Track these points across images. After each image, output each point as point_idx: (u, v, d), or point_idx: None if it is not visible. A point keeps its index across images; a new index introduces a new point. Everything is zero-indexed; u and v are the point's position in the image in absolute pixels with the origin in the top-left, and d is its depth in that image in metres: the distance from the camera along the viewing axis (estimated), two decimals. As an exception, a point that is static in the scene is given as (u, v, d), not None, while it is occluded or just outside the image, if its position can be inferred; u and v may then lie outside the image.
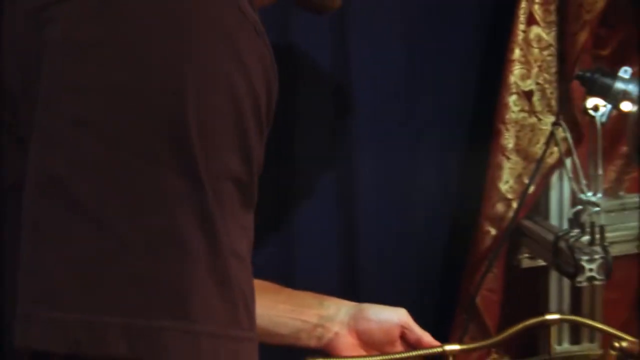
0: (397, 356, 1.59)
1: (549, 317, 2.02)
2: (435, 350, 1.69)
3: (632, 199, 2.78)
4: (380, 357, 1.58)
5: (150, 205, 0.68)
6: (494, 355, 2.72)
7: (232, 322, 0.72)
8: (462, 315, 2.58)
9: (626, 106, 2.07)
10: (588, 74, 2.07)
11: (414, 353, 1.63)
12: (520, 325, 1.97)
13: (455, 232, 2.68)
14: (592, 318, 2.68)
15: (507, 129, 2.46)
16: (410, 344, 1.66)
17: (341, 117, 2.47)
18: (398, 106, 2.56)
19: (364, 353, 1.62)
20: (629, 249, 2.62)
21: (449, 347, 1.70)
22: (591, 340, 2.70)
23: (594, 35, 2.43)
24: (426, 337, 1.68)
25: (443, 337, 2.50)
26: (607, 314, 2.78)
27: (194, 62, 0.70)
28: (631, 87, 2.06)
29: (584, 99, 2.41)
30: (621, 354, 1.59)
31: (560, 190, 2.58)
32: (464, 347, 1.86)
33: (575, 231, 2.13)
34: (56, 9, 0.71)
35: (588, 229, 2.08)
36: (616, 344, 1.60)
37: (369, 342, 1.63)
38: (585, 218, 2.10)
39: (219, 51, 0.71)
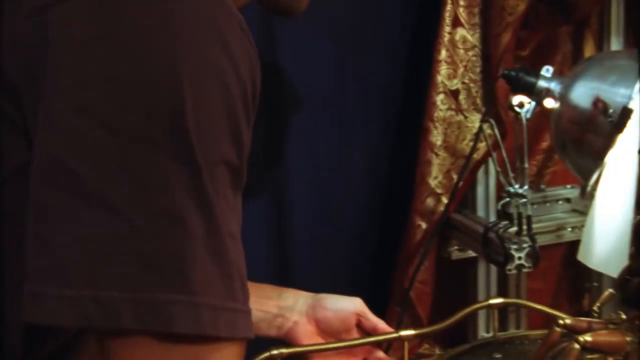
0: (355, 342, 1.66)
1: (492, 301, 2.11)
2: (391, 336, 1.76)
3: (552, 191, 2.93)
4: (339, 344, 1.64)
5: (152, 187, 0.74)
6: (426, 346, 2.81)
7: (229, 296, 0.78)
8: (395, 308, 2.66)
9: (549, 103, 2.18)
10: (513, 73, 2.18)
11: (371, 339, 1.69)
12: (469, 309, 2.06)
13: (387, 227, 2.76)
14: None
15: (435, 127, 2.56)
16: (366, 331, 1.72)
17: (271, 116, 2.51)
18: (328, 105, 2.63)
19: (322, 341, 1.67)
20: (551, 239, 2.76)
21: (404, 333, 1.77)
22: (517, 327, 2.83)
23: (516, 37, 2.55)
24: (381, 324, 1.74)
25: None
26: (533, 299, 2.91)
27: (189, 55, 0.75)
28: (553, 85, 2.17)
29: (508, 97, 2.54)
30: (566, 330, 1.65)
31: (486, 185, 2.71)
32: (418, 331, 1.95)
33: (504, 222, 2.23)
34: (56, 10, 0.75)
35: (516, 220, 2.18)
36: (561, 322, 1.66)
37: (327, 330, 1.68)
38: (512, 209, 2.20)
39: (210, 44, 0.77)
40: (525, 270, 2.20)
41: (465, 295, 2.81)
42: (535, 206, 2.58)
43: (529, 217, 2.19)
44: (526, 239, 2.18)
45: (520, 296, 2.82)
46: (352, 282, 2.74)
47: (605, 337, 1.61)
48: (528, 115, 2.14)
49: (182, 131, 0.74)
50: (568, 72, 2.24)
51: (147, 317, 0.73)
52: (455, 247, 2.68)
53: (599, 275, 2.96)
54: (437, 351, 2.80)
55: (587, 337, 1.56)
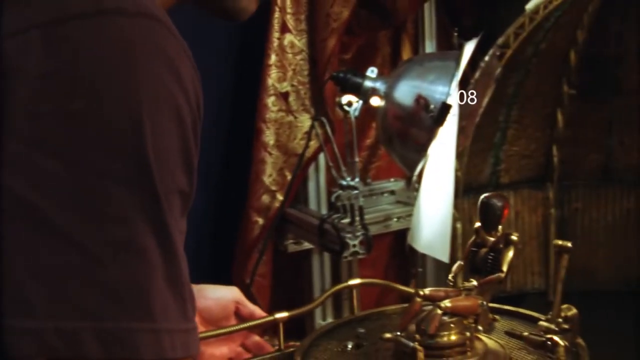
0: (235, 328, 1.74)
1: (352, 282, 2.25)
2: (267, 319, 1.84)
3: (378, 185, 3.14)
4: (219, 331, 1.72)
5: (112, 219, 0.76)
6: (266, 337, 2.93)
7: (183, 317, 0.83)
8: (236, 302, 2.76)
9: (375, 101, 2.33)
10: (341, 75, 2.32)
11: (250, 324, 1.78)
12: (332, 290, 2.19)
13: (224, 225, 2.86)
14: (351, 295, 2.98)
15: (268, 127, 2.69)
16: (244, 317, 1.80)
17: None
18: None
19: (204, 329, 1.74)
20: (379, 229, 2.96)
21: (279, 315, 1.86)
22: (351, 314, 3.00)
23: (340, 41, 2.73)
24: (257, 310, 1.81)
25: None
26: (362, 290, 3.09)
27: (147, 88, 0.77)
28: (378, 85, 2.32)
29: (336, 97, 2.72)
30: (426, 300, 1.80)
31: (317, 180, 2.87)
32: (292, 313, 2.04)
33: (337, 214, 2.39)
34: (9, 42, 0.76)
35: (349, 211, 2.34)
36: (421, 292, 1.81)
37: (208, 319, 1.74)
38: (345, 201, 2.36)
39: (165, 76, 0.79)
40: (359, 256, 2.37)
41: (301, 285, 2.96)
42: (363, 199, 2.77)
43: (360, 208, 2.36)
44: (359, 228, 2.35)
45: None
46: (192, 278, 2.81)
47: (461, 302, 1.80)
48: (356, 113, 2.31)
49: (143, 164, 0.74)
50: (391, 72, 2.43)
51: (112, 347, 0.75)
52: (291, 241, 2.82)
53: (424, 262, 3.20)
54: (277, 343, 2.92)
55: (447, 303, 1.75)
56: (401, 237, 3.26)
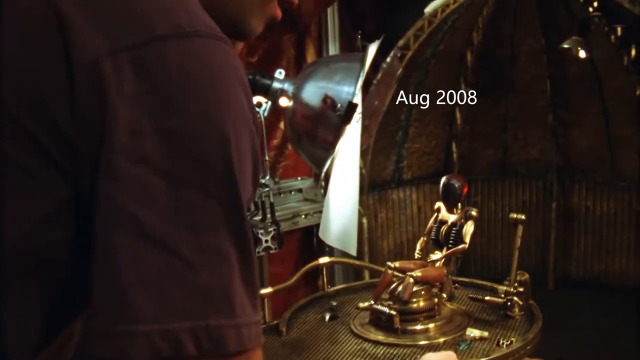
0: None
1: (321, 260, 2.36)
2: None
3: (286, 183, 3.24)
4: None
5: (204, 228, 0.81)
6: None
7: (254, 311, 0.89)
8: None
9: (283, 102, 2.40)
10: (250, 77, 2.38)
11: None
12: (305, 268, 2.31)
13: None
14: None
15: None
16: None
17: None
18: None
19: None
20: (289, 226, 3.06)
21: (264, 291, 1.94)
22: (262, 309, 3.09)
23: (247, 45, 2.81)
24: None
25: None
26: (273, 286, 3.18)
27: (229, 107, 0.82)
28: (286, 86, 2.39)
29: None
30: (396, 271, 1.99)
31: (228, 180, 2.95)
32: (275, 288, 2.15)
33: (249, 211, 2.47)
34: (105, 62, 0.80)
35: (260, 208, 2.43)
36: (391, 265, 2.01)
37: None
38: (256, 199, 2.44)
39: (240, 95, 0.83)
40: (272, 251, 2.44)
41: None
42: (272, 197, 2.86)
43: (272, 205, 2.44)
44: (270, 224, 2.43)
45: (264, 280, 3.09)
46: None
47: (429, 272, 2.08)
48: (265, 114, 2.39)
49: (231, 179, 0.80)
50: (298, 74, 2.53)
51: (205, 343, 0.82)
52: (204, 239, 2.88)
53: (332, 254, 3.31)
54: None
55: (418, 273, 2.03)
56: (309, 233, 3.37)
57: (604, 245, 3.47)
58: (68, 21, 0.84)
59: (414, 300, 2.11)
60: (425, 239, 2.26)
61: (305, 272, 2.35)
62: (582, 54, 2.91)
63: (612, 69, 3.23)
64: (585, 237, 3.49)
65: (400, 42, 2.98)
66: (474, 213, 2.20)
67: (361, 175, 2.84)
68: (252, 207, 2.53)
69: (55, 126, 0.83)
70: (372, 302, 2.12)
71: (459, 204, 2.24)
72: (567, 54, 2.99)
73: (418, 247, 2.25)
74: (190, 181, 0.82)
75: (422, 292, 2.11)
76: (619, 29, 3.03)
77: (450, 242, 2.23)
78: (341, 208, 2.64)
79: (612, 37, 3.06)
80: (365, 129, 2.62)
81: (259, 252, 2.41)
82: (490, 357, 1.89)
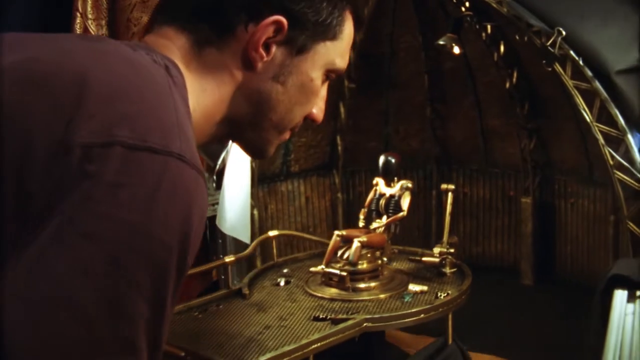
0: (197, 270, 1.88)
1: (271, 233, 2.73)
2: (218, 263, 2.21)
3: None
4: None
5: (126, 318, 0.92)
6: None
7: None
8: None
9: None
10: None
11: (204, 267, 1.92)
12: (257, 240, 2.74)
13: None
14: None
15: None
16: None
17: None
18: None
19: None
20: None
21: (228, 259, 2.47)
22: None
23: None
24: None
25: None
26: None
27: (179, 226, 0.93)
28: None
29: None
30: (344, 237, 2.50)
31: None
32: (237, 256, 2.58)
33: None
34: (96, 150, 0.88)
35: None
36: (338, 232, 2.51)
37: None
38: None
39: (191, 213, 0.92)
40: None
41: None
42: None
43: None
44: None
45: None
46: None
47: (373, 237, 2.50)
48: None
49: (164, 286, 0.90)
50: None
51: None
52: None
53: (224, 250, 3.42)
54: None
55: (364, 238, 2.44)
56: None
57: (481, 229, 3.70)
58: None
59: (360, 262, 2.48)
60: (365, 210, 2.66)
61: (257, 245, 2.74)
62: (456, 50, 3.10)
63: (483, 64, 3.45)
64: (463, 222, 3.71)
65: (287, 41, 3.10)
66: (410, 185, 2.67)
67: (251, 168, 2.96)
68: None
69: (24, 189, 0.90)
70: (323, 266, 2.50)
71: (395, 178, 2.71)
72: (442, 50, 3.18)
73: (361, 217, 2.66)
74: (127, 274, 0.88)
75: (368, 255, 2.49)
76: (489, 27, 3.24)
77: (390, 211, 2.61)
78: (235, 199, 2.76)
79: (483, 34, 3.27)
80: (255, 124, 2.74)
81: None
82: (434, 304, 2.31)
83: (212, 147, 2.37)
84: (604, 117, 2.45)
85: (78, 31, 2.77)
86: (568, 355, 2.45)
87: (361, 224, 2.66)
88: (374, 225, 2.60)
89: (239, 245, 3.31)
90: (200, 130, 1.15)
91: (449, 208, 2.65)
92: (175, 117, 0.96)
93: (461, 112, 3.66)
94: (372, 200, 2.66)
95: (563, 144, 3.29)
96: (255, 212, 3.41)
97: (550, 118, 3.30)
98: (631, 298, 2.04)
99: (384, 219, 2.61)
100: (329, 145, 3.78)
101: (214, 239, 3.45)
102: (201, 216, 0.96)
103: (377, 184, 2.73)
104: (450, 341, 2.44)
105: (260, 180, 3.49)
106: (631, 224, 2.37)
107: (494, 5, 2.65)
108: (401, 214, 2.59)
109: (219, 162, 2.39)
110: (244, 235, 2.62)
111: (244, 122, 1.21)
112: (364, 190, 3.83)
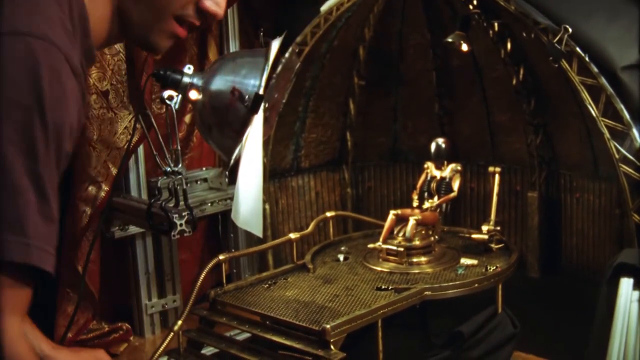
0: None
1: (328, 214, 3.05)
2: (213, 262, 2.15)
3: (192, 174, 3.40)
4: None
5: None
6: (94, 322, 3.09)
7: (50, 242, 1.17)
8: (65, 289, 2.92)
9: (193, 94, 2.55)
10: (162, 72, 2.51)
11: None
12: (316, 220, 2.98)
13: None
14: (172, 275, 3.24)
15: (91, 123, 2.88)
16: None
17: None
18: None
19: None
20: (196, 213, 3.20)
21: (221, 257, 2.50)
22: (174, 293, 3.25)
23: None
24: None
25: (46, 309, 2.82)
26: (182, 271, 3.34)
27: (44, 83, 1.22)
28: (195, 80, 2.53)
29: (153, 93, 2.94)
30: (398, 217, 2.83)
31: (137, 170, 3.09)
32: (231, 254, 2.66)
33: (164, 197, 2.61)
34: None
35: (174, 194, 2.57)
36: (394, 211, 2.83)
37: None
38: (170, 186, 2.58)
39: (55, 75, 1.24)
40: (186, 234, 2.60)
41: (126, 268, 3.16)
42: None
43: (184, 191, 2.59)
44: (184, 209, 2.59)
45: (173, 266, 3.24)
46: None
47: (427, 215, 2.83)
48: (177, 106, 2.53)
49: (31, 138, 1.20)
50: (207, 68, 2.69)
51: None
52: (117, 227, 3.01)
53: (236, 244, 3.49)
54: (105, 325, 3.10)
55: (418, 216, 2.77)
56: (214, 220, 3.53)
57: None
58: None
59: (415, 238, 2.79)
60: (417, 191, 3.00)
61: (318, 222, 3.08)
62: (464, 47, 3.15)
63: (490, 61, 3.50)
64: (470, 216, 3.77)
65: (298, 39, 3.16)
66: (459, 168, 2.97)
67: (263, 164, 3.01)
68: (167, 194, 2.66)
69: None
70: (380, 243, 2.79)
71: (445, 162, 2.99)
72: (450, 47, 3.23)
73: (414, 197, 3.00)
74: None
75: (422, 232, 2.81)
76: (496, 25, 3.30)
77: (442, 192, 2.93)
78: (248, 194, 2.81)
79: (490, 32, 3.33)
80: (266, 121, 2.80)
81: (174, 236, 2.56)
82: (486, 274, 2.60)
83: (227, 143, 2.43)
84: (610, 112, 2.51)
85: None
86: (574, 345, 2.51)
87: (415, 203, 2.99)
88: (426, 205, 2.93)
89: (251, 239, 3.38)
90: (99, 31, 1.44)
91: (496, 189, 2.97)
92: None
93: (468, 108, 3.72)
94: (424, 182, 2.99)
95: (569, 139, 3.34)
96: (267, 206, 3.48)
97: (556, 114, 3.35)
98: (637, 286, 2.10)
99: (436, 199, 2.94)
100: (339, 141, 3.84)
101: (225, 233, 3.53)
102: (56, 79, 1.23)
103: (428, 168, 3.05)
104: (500, 310, 2.69)
105: (272, 175, 3.56)
106: (636, 215, 2.43)
107: (502, 3, 2.71)
108: (452, 194, 2.94)
109: (233, 157, 2.44)
110: (257, 229, 2.67)
111: (130, 14, 1.48)
112: (372, 185, 3.90)
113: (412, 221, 2.76)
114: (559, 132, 3.41)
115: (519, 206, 3.62)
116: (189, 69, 2.57)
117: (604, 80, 2.49)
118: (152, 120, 2.62)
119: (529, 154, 3.51)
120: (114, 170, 2.92)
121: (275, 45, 2.53)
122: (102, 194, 2.89)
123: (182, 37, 1.45)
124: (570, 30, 2.52)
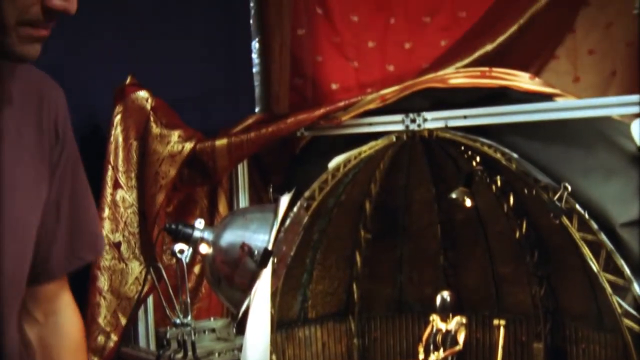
0: None
1: None
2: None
3: (200, 324, 3.41)
4: None
5: None
6: None
7: None
8: None
9: (204, 248, 2.62)
10: (173, 226, 2.60)
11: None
12: None
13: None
14: None
15: (102, 274, 2.93)
16: None
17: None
18: None
19: None
20: (204, 364, 3.21)
21: None
22: None
23: (165, 196, 3.04)
24: None
25: None
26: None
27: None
28: (206, 234, 2.62)
29: (163, 246, 3.01)
30: None
31: (146, 321, 3.12)
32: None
33: (170, 349, 2.64)
34: None
35: (182, 346, 2.60)
36: None
37: None
38: (179, 338, 2.62)
39: None
40: (191, 386, 2.62)
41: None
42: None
43: (193, 343, 2.63)
44: (192, 360, 2.62)
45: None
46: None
47: None
48: (187, 260, 2.61)
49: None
50: (212, 222, 2.76)
51: None
52: (123, 379, 3.02)
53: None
54: None
55: None
56: (224, 370, 3.52)
57: (494, 376, 3.72)
58: None
59: None
60: (423, 344, 3.11)
61: None
62: (468, 202, 3.24)
63: (494, 215, 3.57)
64: (477, 368, 3.75)
65: (307, 193, 3.24)
66: (464, 321, 3.10)
67: (271, 315, 3.04)
68: (171, 346, 2.68)
69: None
70: None
71: (450, 314, 3.09)
72: (455, 202, 3.31)
73: (420, 350, 3.10)
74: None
75: None
76: (499, 180, 3.39)
77: (447, 345, 2.98)
78: (256, 345, 2.84)
79: (493, 187, 3.42)
80: (274, 272, 2.86)
81: (182, 388, 2.57)
82: None
83: (236, 296, 2.48)
84: (611, 266, 2.56)
85: (109, 182, 2.94)
86: None
87: (421, 356, 3.08)
88: (432, 358, 3.02)
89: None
90: None
91: (501, 342, 3.01)
92: None
93: (473, 260, 3.76)
94: (430, 335, 3.08)
95: (573, 290, 3.36)
96: (274, 357, 3.47)
97: (559, 266, 3.39)
98: None
99: (442, 352, 3.03)
100: (345, 292, 3.87)
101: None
102: None
103: (433, 320, 3.15)
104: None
105: (279, 325, 3.56)
106: (642, 372, 2.44)
107: (504, 162, 2.81)
108: (457, 347, 3.04)
109: (242, 309, 2.49)
110: (265, 380, 2.69)
111: None
112: (379, 336, 3.89)
113: None
114: (562, 284, 3.43)
115: (525, 357, 3.60)
116: (199, 223, 2.64)
117: (604, 237, 2.55)
118: (163, 272, 2.67)
119: (534, 305, 3.52)
120: (123, 320, 2.96)
121: (284, 201, 2.61)
122: (111, 344, 2.92)
123: (46, 35, 1.36)
124: (569, 188, 2.60)
